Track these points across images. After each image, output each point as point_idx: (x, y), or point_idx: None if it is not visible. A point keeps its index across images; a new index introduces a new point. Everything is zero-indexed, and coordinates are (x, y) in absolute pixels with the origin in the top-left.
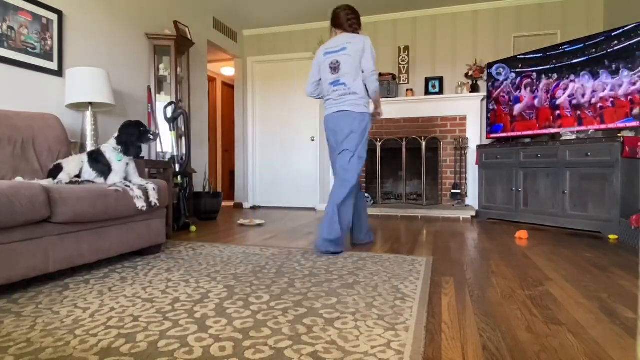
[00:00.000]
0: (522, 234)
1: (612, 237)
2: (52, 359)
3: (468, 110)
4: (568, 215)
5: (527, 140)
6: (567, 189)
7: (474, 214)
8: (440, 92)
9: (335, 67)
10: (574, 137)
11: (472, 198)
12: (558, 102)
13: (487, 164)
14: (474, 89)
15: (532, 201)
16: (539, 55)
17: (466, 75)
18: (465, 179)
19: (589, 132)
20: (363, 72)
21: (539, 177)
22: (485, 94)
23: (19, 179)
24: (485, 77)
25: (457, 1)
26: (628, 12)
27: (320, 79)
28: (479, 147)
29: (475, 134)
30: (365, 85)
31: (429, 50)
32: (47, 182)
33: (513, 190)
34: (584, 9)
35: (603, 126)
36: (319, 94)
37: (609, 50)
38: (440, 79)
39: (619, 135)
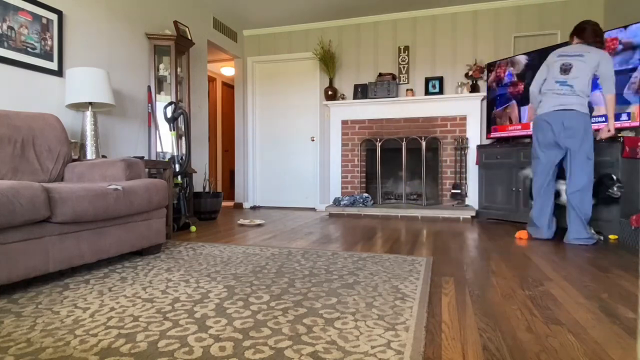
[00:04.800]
0: (522, 234)
1: (612, 237)
2: (52, 359)
3: (468, 110)
4: None
5: (527, 140)
6: None
7: (474, 214)
8: (440, 92)
9: (566, 69)
10: None
11: (472, 198)
12: None
13: (487, 164)
14: (474, 89)
15: None
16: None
17: (466, 75)
18: (465, 179)
19: None
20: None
21: None
22: (485, 94)
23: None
24: (485, 77)
25: (457, 1)
26: (628, 12)
27: (545, 79)
28: (479, 147)
29: (475, 134)
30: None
31: (429, 50)
32: None
33: (513, 190)
34: (584, 9)
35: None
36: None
37: None
38: (440, 79)
39: (619, 135)
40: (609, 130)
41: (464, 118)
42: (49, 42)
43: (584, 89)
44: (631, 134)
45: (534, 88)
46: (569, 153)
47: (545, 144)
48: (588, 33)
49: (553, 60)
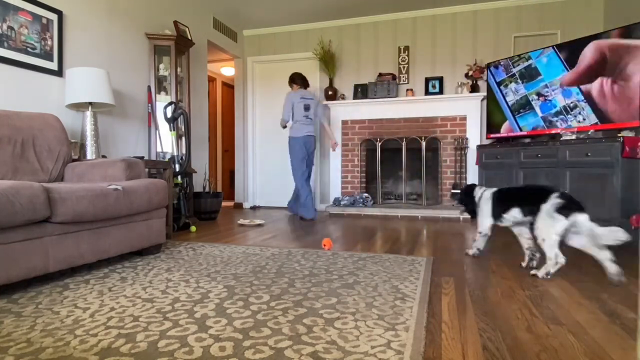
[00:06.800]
0: (326, 242)
1: None
2: (52, 359)
3: (468, 110)
4: None
5: (527, 140)
6: (567, 189)
7: None
8: (440, 92)
9: (307, 108)
10: (574, 137)
11: None
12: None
13: (487, 164)
14: (474, 89)
15: None
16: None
17: (466, 75)
18: (465, 179)
19: (589, 132)
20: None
21: (539, 177)
22: (485, 94)
23: None
24: (485, 77)
25: (457, 1)
26: (628, 12)
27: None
28: (479, 147)
29: (475, 134)
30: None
31: (429, 50)
32: None
33: None
34: (584, 9)
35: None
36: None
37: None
38: (440, 79)
39: (619, 135)
40: (335, 142)
41: (464, 118)
42: (49, 42)
43: (315, 120)
44: (631, 134)
45: (285, 117)
46: (308, 159)
47: (302, 156)
48: (306, 82)
49: (297, 101)
